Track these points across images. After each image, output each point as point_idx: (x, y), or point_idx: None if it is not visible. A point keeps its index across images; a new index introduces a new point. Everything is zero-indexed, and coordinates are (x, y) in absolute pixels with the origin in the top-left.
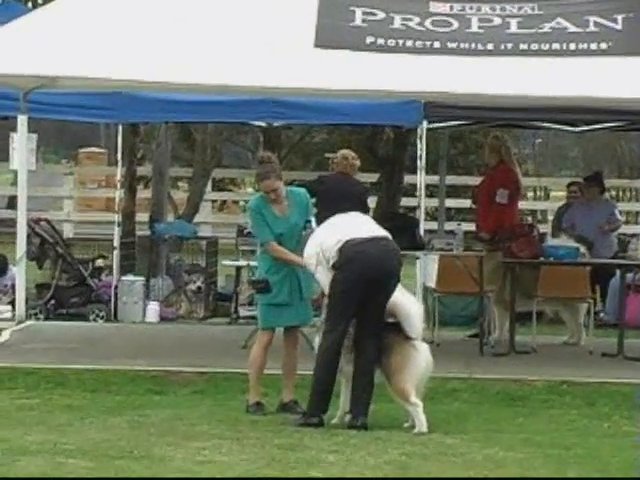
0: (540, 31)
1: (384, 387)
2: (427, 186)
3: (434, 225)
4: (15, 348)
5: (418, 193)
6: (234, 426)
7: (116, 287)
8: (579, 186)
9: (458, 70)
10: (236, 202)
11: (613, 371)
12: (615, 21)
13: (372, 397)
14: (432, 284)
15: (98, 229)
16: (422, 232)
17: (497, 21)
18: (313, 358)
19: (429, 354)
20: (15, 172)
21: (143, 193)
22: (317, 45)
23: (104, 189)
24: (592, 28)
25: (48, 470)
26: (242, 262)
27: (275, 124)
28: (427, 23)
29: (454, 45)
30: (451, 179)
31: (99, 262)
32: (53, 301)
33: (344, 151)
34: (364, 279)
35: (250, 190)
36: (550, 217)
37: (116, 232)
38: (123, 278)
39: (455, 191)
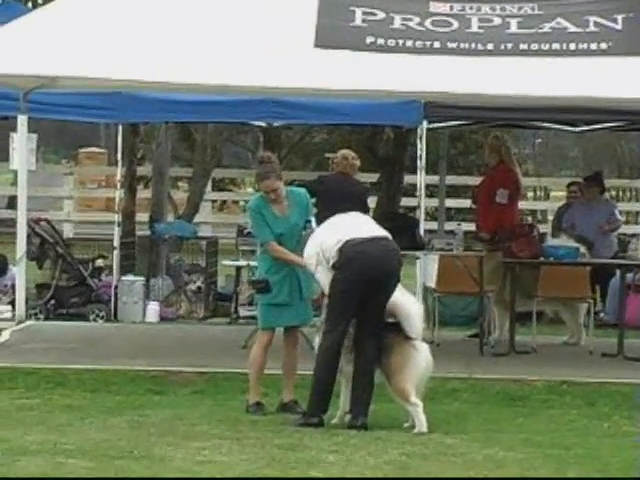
0: (540, 31)
1: (384, 387)
2: (427, 186)
3: (434, 225)
4: (15, 348)
5: (418, 193)
6: (234, 426)
7: (116, 287)
8: (579, 186)
9: (458, 70)
10: (236, 202)
11: (613, 371)
12: (615, 21)
13: (372, 397)
14: (432, 284)
15: (98, 229)
16: (422, 232)
17: (497, 21)
18: (313, 358)
19: (429, 354)
20: (15, 172)
21: (143, 193)
22: (317, 45)
23: (104, 189)
24: (592, 28)
25: (48, 470)
26: (242, 262)
27: (275, 124)
28: (427, 23)
29: (454, 45)
30: (451, 179)
31: (99, 262)
32: (53, 301)
33: (344, 151)
34: (364, 279)
35: (250, 190)
36: (550, 217)
37: (116, 232)
38: (123, 278)
39: (455, 191)
